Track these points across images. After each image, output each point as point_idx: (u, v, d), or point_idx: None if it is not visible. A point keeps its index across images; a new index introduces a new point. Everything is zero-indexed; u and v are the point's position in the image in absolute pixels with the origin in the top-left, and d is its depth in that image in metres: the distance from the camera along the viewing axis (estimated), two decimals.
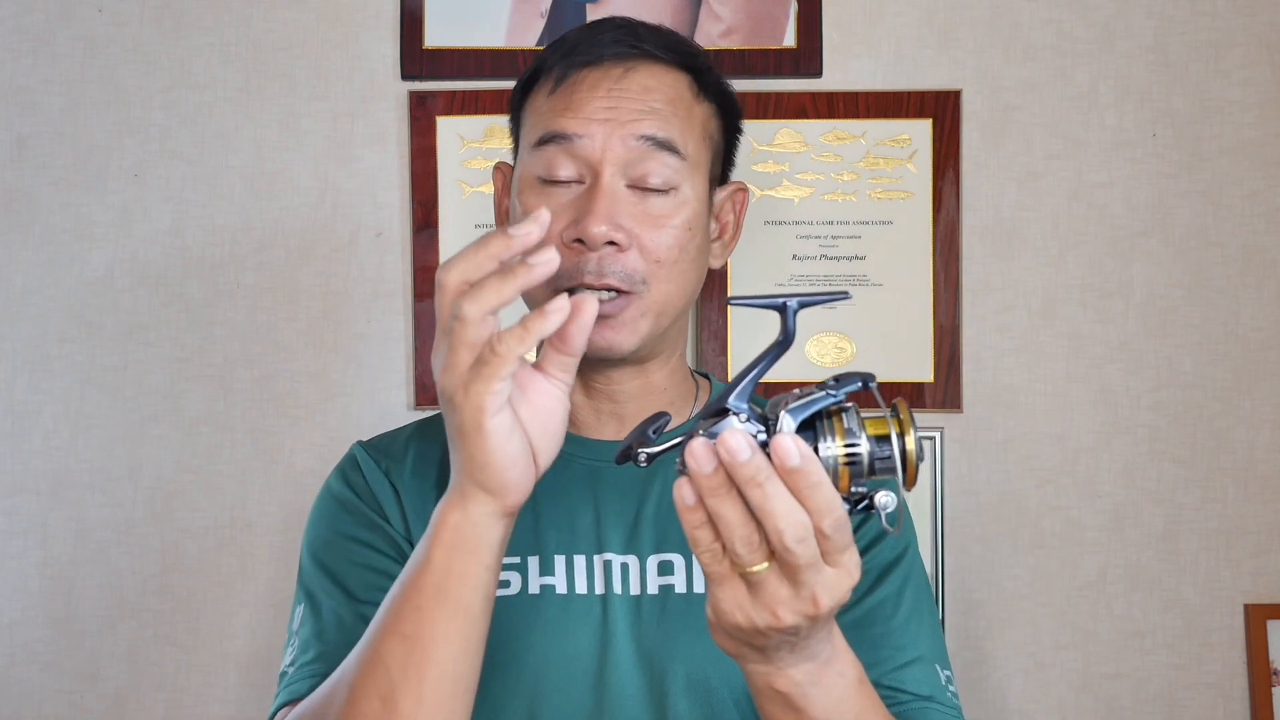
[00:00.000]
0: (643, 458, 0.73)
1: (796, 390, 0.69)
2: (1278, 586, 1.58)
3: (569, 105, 0.96)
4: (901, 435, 0.68)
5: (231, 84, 1.60)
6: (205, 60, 1.60)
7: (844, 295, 0.71)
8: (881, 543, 1.01)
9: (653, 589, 0.97)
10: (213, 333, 1.59)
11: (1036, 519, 1.58)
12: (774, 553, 0.67)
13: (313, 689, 0.90)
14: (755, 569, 0.68)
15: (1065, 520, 1.58)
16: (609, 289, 0.95)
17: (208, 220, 1.60)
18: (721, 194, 1.05)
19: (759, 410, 0.69)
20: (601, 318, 0.94)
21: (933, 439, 1.56)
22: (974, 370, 1.59)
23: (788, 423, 0.67)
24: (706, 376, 1.13)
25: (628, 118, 0.95)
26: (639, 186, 0.96)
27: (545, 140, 0.97)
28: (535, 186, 0.98)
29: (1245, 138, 1.59)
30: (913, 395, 1.57)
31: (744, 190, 1.07)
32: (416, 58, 1.59)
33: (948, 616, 1.57)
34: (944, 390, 1.57)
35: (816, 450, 0.67)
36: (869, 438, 0.68)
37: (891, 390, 1.57)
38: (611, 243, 0.94)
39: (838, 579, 0.69)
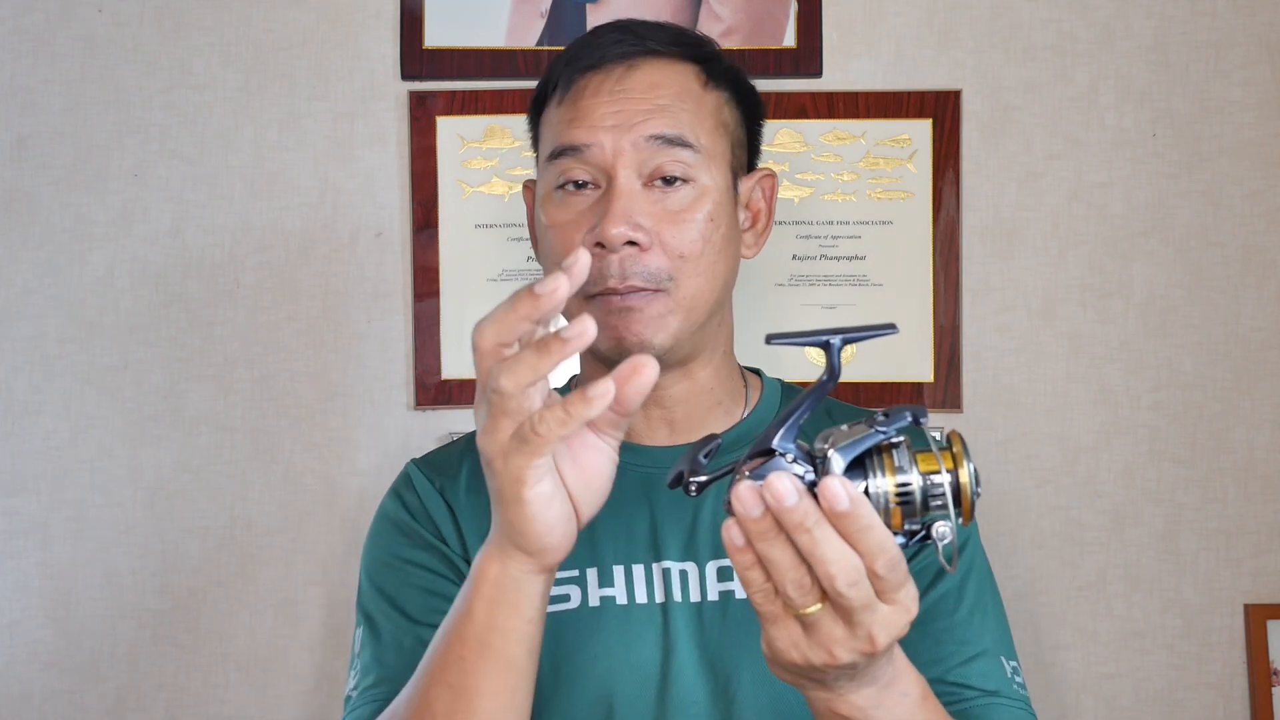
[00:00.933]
0: (693, 488, 0.71)
1: (845, 426, 0.67)
2: (1278, 586, 1.58)
3: (575, 114, 0.96)
4: (954, 470, 0.66)
5: (231, 84, 1.60)
6: (205, 60, 1.60)
7: (891, 329, 0.68)
8: None
9: (713, 595, 0.97)
10: (213, 333, 1.59)
11: (1036, 519, 1.58)
12: (826, 595, 0.66)
13: (375, 714, 0.91)
14: (808, 611, 0.66)
15: (1065, 520, 1.58)
16: (634, 291, 0.94)
17: (208, 220, 1.60)
18: (749, 182, 1.03)
19: (806, 447, 0.67)
20: (626, 310, 0.94)
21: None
22: (974, 370, 1.59)
23: (837, 462, 0.65)
24: (758, 372, 1.11)
25: (634, 120, 0.95)
26: (654, 185, 0.95)
27: (557, 154, 0.97)
28: (554, 196, 0.98)
29: (1245, 138, 1.59)
30: (913, 395, 1.57)
31: (773, 176, 1.06)
32: (416, 58, 1.59)
33: None
34: (944, 390, 1.57)
35: (867, 489, 0.65)
36: (921, 473, 0.66)
37: (892, 390, 1.57)
38: (632, 243, 0.93)
39: (894, 616, 0.67)
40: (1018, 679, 0.98)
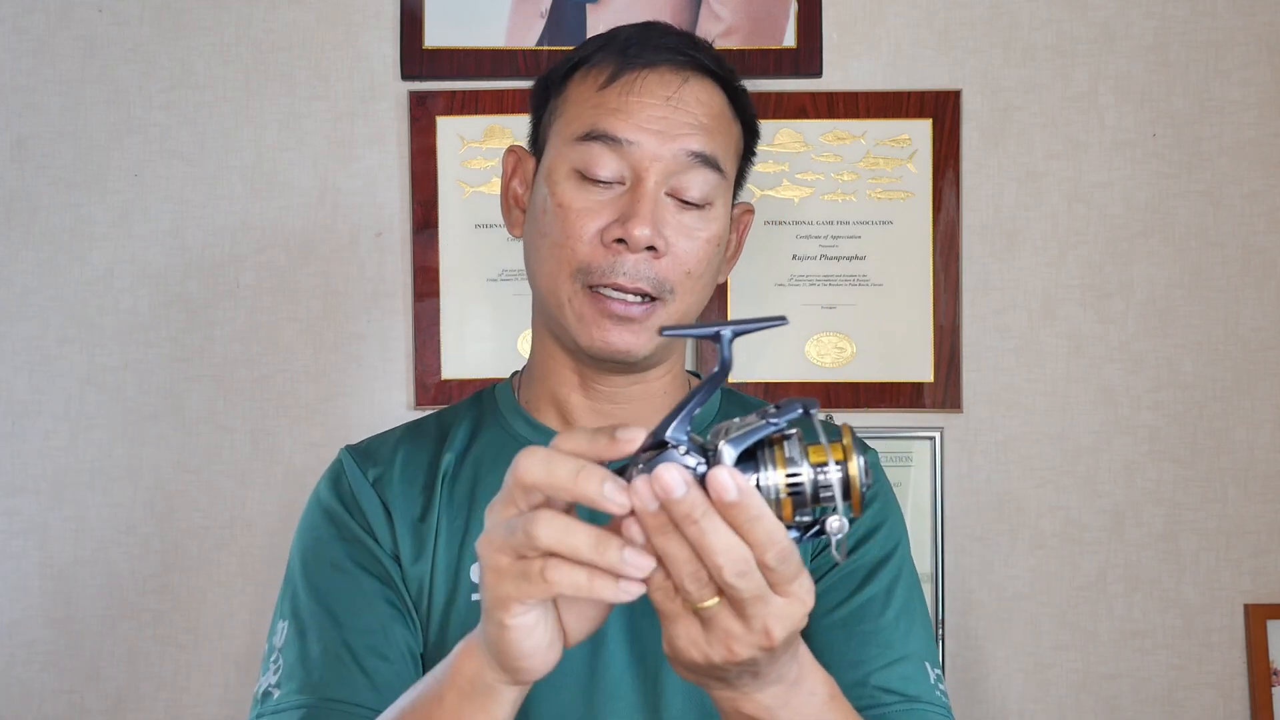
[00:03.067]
0: None
1: (737, 419, 0.67)
2: (1278, 586, 1.58)
3: (622, 106, 0.96)
4: (843, 463, 0.66)
5: (231, 84, 1.60)
6: (205, 60, 1.60)
7: (781, 321, 0.68)
8: (871, 540, 1.00)
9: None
10: (213, 333, 1.59)
11: (1036, 519, 1.58)
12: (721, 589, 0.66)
13: None
14: (705, 605, 0.66)
15: (1065, 520, 1.58)
16: (640, 293, 0.95)
17: (208, 220, 1.60)
18: (735, 211, 1.06)
19: (699, 441, 0.67)
20: (627, 320, 0.95)
21: (933, 439, 1.56)
22: (974, 370, 1.59)
23: (728, 454, 0.65)
24: (698, 375, 1.13)
25: (679, 131, 0.95)
26: (676, 197, 0.96)
27: (592, 136, 0.96)
28: (573, 180, 0.97)
29: (1245, 138, 1.59)
30: (913, 395, 1.57)
31: (751, 212, 1.09)
32: (416, 58, 1.59)
33: (947, 616, 1.57)
34: (944, 390, 1.57)
35: (758, 481, 0.65)
36: (811, 465, 0.66)
37: (891, 390, 1.57)
38: (651, 248, 0.94)
39: (789, 608, 0.67)
40: (940, 686, 0.98)
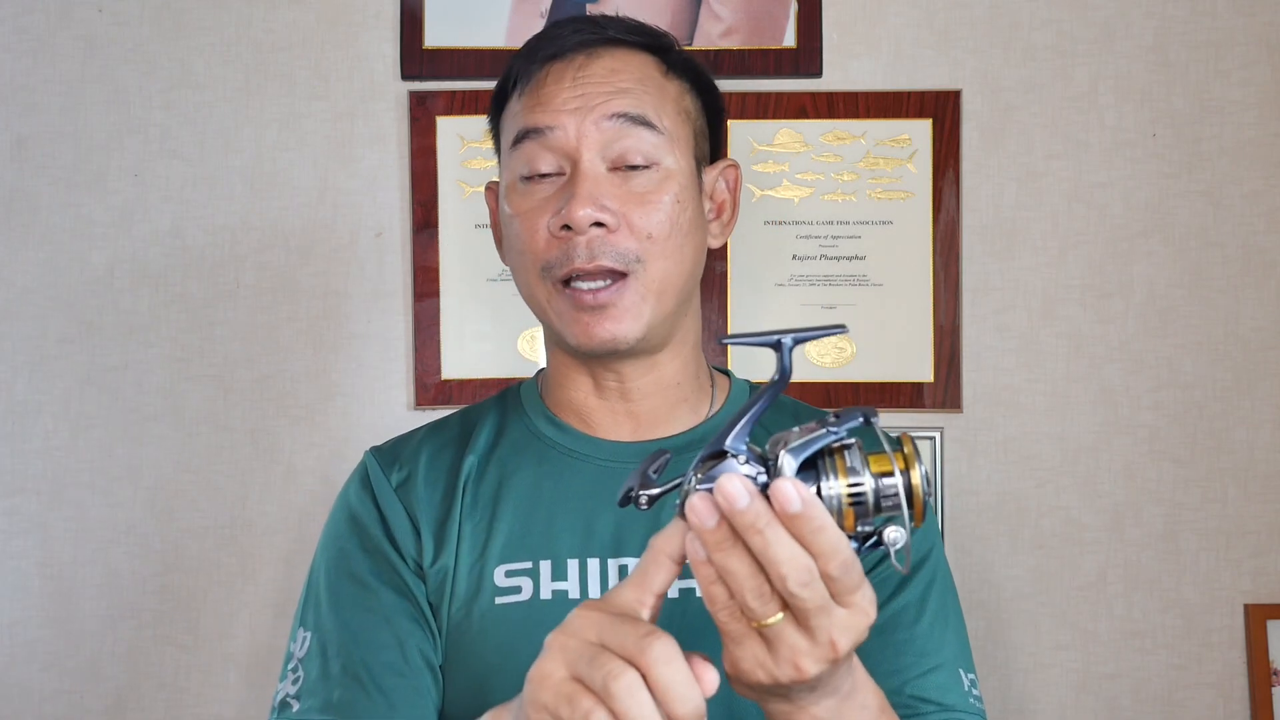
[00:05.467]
0: (644, 500, 0.70)
1: (796, 428, 0.67)
2: (1278, 586, 1.58)
3: (538, 100, 0.96)
4: (906, 471, 0.65)
5: (231, 84, 1.60)
6: (205, 60, 1.60)
7: (841, 329, 0.68)
8: None
9: (673, 593, 0.95)
10: (213, 333, 1.59)
11: (1036, 519, 1.58)
12: (785, 603, 0.65)
13: None
14: (770, 621, 0.65)
15: (1065, 520, 1.58)
16: (604, 272, 0.94)
17: (208, 220, 1.60)
18: (712, 172, 1.04)
19: (759, 450, 0.67)
20: (599, 308, 0.94)
21: (933, 439, 1.56)
22: (974, 370, 1.59)
23: (789, 464, 0.64)
24: (726, 373, 1.11)
25: (596, 101, 0.95)
26: (620, 167, 0.95)
27: (520, 138, 0.97)
28: (518, 187, 0.98)
29: (1245, 138, 1.59)
30: (913, 395, 1.57)
31: (735, 166, 1.06)
32: (416, 58, 1.59)
33: None
34: (944, 390, 1.57)
35: (819, 490, 0.65)
36: (873, 475, 0.65)
37: (891, 390, 1.57)
38: (599, 224, 0.93)
39: (852, 619, 0.66)
40: (974, 691, 0.97)
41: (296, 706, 0.95)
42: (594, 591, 0.96)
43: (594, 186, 0.94)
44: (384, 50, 1.60)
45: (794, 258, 1.59)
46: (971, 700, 0.96)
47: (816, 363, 1.58)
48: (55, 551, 1.58)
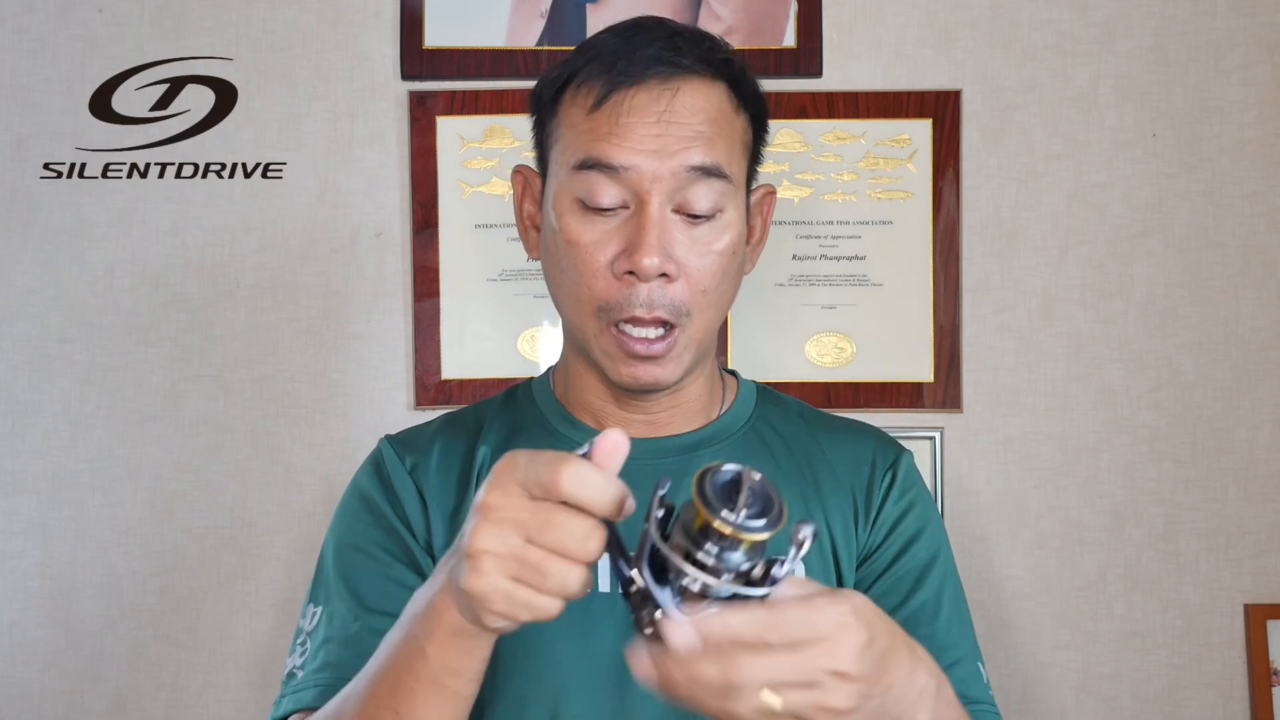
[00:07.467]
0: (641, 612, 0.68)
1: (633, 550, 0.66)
2: (1278, 586, 1.58)
3: (613, 131, 0.93)
4: (725, 519, 0.63)
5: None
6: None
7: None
8: (917, 543, 1.01)
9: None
10: (213, 333, 1.59)
11: (1036, 519, 1.58)
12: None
13: (317, 698, 0.91)
14: (769, 701, 0.65)
15: (1065, 520, 1.58)
16: (658, 322, 0.94)
17: (208, 220, 1.60)
18: (754, 196, 1.04)
19: (677, 562, 0.64)
20: (651, 358, 0.95)
21: (933, 439, 1.56)
22: (974, 370, 1.58)
23: (666, 599, 0.63)
24: (733, 374, 1.13)
25: (675, 146, 0.93)
26: (684, 213, 0.94)
27: (588, 165, 0.94)
28: (576, 211, 0.95)
29: (1245, 138, 1.59)
30: (913, 395, 1.57)
31: (773, 193, 1.06)
32: (416, 58, 1.59)
33: None
34: (944, 390, 1.57)
35: (705, 590, 0.63)
36: (720, 543, 0.63)
37: (891, 390, 1.57)
38: (663, 274, 0.93)
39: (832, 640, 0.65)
40: (988, 680, 1.00)
41: (300, 675, 0.96)
42: (601, 585, 0.96)
43: (662, 234, 0.93)
44: (384, 50, 1.60)
45: (794, 258, 1.59)
46: (990, 693, 0.99)
47: (817, 363, 1.58)
48: (55, 551, 1.58)
